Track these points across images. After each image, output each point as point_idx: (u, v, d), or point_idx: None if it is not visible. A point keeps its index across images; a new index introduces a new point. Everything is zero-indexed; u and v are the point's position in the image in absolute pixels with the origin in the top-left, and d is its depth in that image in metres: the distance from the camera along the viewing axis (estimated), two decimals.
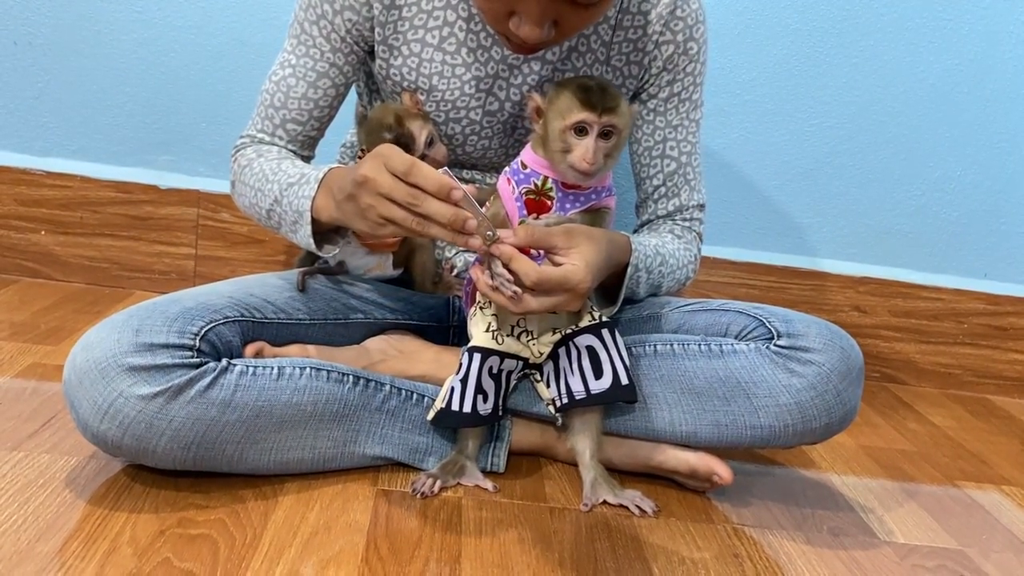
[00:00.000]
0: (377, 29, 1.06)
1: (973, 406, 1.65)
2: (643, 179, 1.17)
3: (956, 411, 1.60)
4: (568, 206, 0.97)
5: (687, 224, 1.18)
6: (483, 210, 1.02)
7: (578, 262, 0.89)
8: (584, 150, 0.91)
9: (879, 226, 1.66)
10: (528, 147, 0.99)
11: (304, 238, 0.97)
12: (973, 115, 1.62)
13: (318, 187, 0.95)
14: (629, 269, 1.02)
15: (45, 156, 1.53)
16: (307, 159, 1.12)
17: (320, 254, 1.00)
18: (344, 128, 1.25)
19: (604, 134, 0.92)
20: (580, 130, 0.92)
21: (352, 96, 1.22)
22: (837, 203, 1.65)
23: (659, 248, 1.09)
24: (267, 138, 1.09)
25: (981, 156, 1.64)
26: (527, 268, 0.87)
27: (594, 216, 0.99)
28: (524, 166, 0.98)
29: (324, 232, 0.99)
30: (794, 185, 1.63)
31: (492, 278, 0.90)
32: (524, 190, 0.97)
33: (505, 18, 0.93)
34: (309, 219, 0.95)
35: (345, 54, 1.07)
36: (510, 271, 0.88)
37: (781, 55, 1.57)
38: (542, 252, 0.92)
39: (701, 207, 1.19)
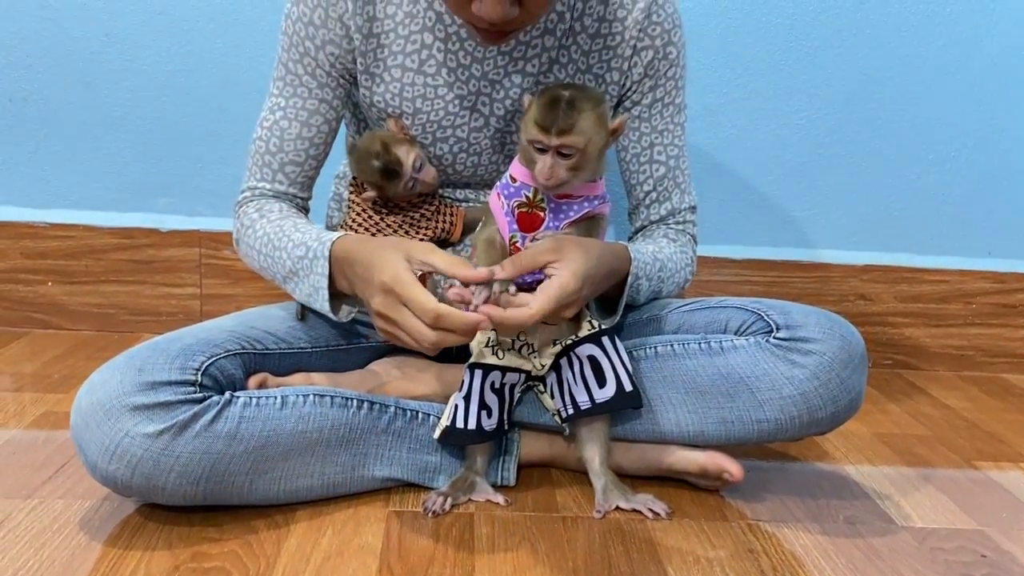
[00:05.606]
0: (359, 59, 1.07)
1: (987, 386, 1.63)
2: (633, 186, 1.18)
3: (971, 392, 1.59)
4: (562, 216, 0.97)
5: (681, 227, 1.18)
6: (476, 229, 1.03)
7: (563, 271, 0.90)
8: (542, 166, 0.91)
9: (878, 212, 1.66)
10: (516, 160, 0.99)
11: (321, 306, 0.99)
12: (964, 93, 1.61)
13: (330, 267, 0.97)
14: (629, 278, 1.02)
15: (47, 208, 1.56)
16: (305, 201, 1.13)
17: (336, 318, 1.00)
18: (338, 158, 1.26)
19: (562, 153, 0.92)
20: (539, 147, 0.92)
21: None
22: (834, 193, 1.65)
23: (656, 254, 1.10)
24: (267, 186, 1.09)
25: (976, 133, 1.63)
26: (515, 323, 0.87)
27: (587, 224, 0.99)
28: (513, 179, 0.97)
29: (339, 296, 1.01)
30: (789, 178, 1.63)
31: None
32: (516, 204, 0.97)
33: (467, 2, 0.90)
34: (327, 296, 0.97)
35: (332, 88, 1.08)
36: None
37: (765, 51, 1.58)
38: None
39: (693, 209, 1.19)
